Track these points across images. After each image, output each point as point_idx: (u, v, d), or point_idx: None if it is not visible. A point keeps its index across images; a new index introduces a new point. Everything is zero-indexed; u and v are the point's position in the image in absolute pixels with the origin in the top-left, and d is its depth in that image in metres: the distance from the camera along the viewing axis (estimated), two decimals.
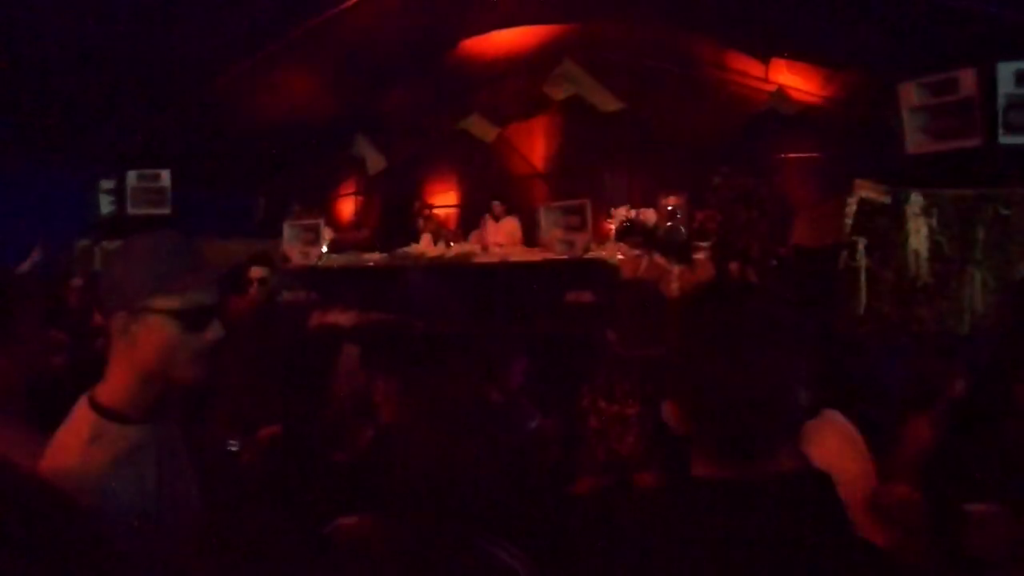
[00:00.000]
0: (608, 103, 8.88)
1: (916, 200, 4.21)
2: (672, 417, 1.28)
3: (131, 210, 8.03)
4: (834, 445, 2.15)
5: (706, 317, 1.33)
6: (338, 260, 6.92)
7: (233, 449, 1.98)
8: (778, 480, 1.21)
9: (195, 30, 6.92)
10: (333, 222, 10.05)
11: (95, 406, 1.46)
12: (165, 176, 8.11)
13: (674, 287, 5.14)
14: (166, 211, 8.06)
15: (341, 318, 3.94)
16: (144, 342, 1.46)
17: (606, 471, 2.34)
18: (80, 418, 1.46)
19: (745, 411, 1.21)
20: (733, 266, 5.07)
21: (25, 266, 6.21)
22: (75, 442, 1.43)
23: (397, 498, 1.55)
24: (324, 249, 7.22)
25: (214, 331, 1.51)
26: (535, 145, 10.14)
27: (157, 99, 8.00)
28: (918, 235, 4.14)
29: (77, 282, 5.92)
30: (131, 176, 8.05)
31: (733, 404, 1.21)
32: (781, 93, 8.07)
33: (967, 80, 4.83)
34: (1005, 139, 4.51)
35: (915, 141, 5.09)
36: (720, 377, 1.21)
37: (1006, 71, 4.61)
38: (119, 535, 1.38)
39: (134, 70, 7.27)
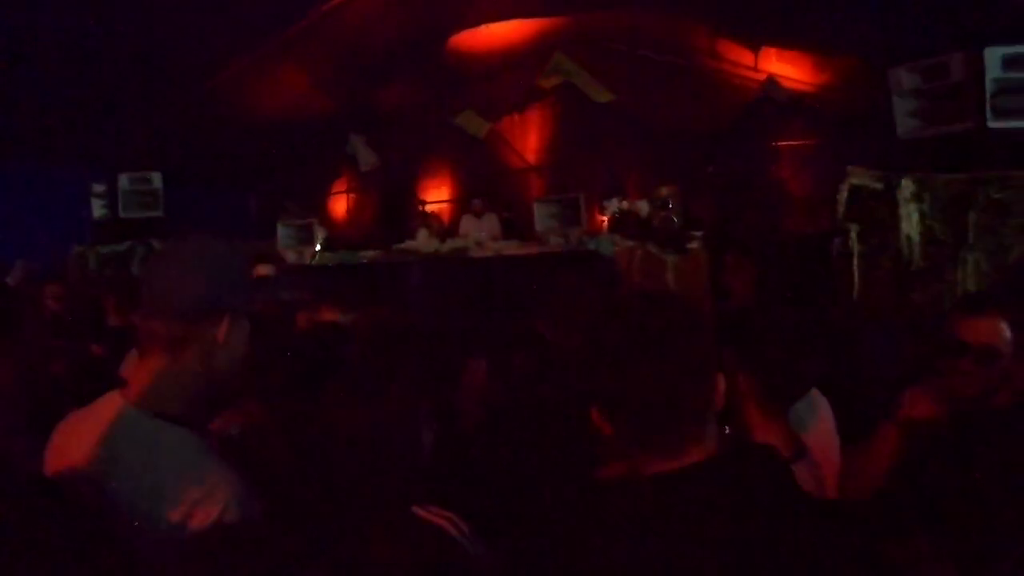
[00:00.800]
0: (600, 95, 8.90)
1: (907, 185, 4.23)
2: (597, 421, 1.31)
3: (123, 213, 8.02)
4: (826, 427, 2.21)
5: (610, 319, 1.34)
6: (332, 258, 6.91)
7: (233, 433, 1.98)
8: (713, 463, 1.25)
9: (188, 29, 6.90)
10: (327, 220, 10.06)
11: (150, 411, 1.44)
12: (157, 178, 8.10)
13: (668, 277, 5.17)
14: (159, 213, 8.06)
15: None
16: (200, 348, 1.47)
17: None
18: (135, 423, 1.44)
19: (658, 404, 1.23)
20: (727, 255, 5.08)
21: (11, 280, 6.18)
22: (141, 448, 1.41)
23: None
24: (318, 247, 7.22)
25: (250, 336, 1.55)
26: (528, 138, 10.14)
27: (150, 99, 7.98)
28: (910, 220, 4.16)
29: (55, 289, 5.88)
30: (123, 179, 8.04)
31: (646, 399, 1.23)
32: (773, 81, 8.09)
33: (956, 65, 4.84)
34: (994, 123, 4.52)
35: (906, 126, 5.10)
36: (631, 373, 1.23)
37: (993, 56, 4.62)
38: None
39: (127, 70, 7.25)
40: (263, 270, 4.16)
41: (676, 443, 1.26)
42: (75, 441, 1.46)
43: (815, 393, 2.31)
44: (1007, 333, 2.10)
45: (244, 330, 1.53)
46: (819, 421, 2.21)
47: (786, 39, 7.94)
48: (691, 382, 1.26)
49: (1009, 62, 4.61)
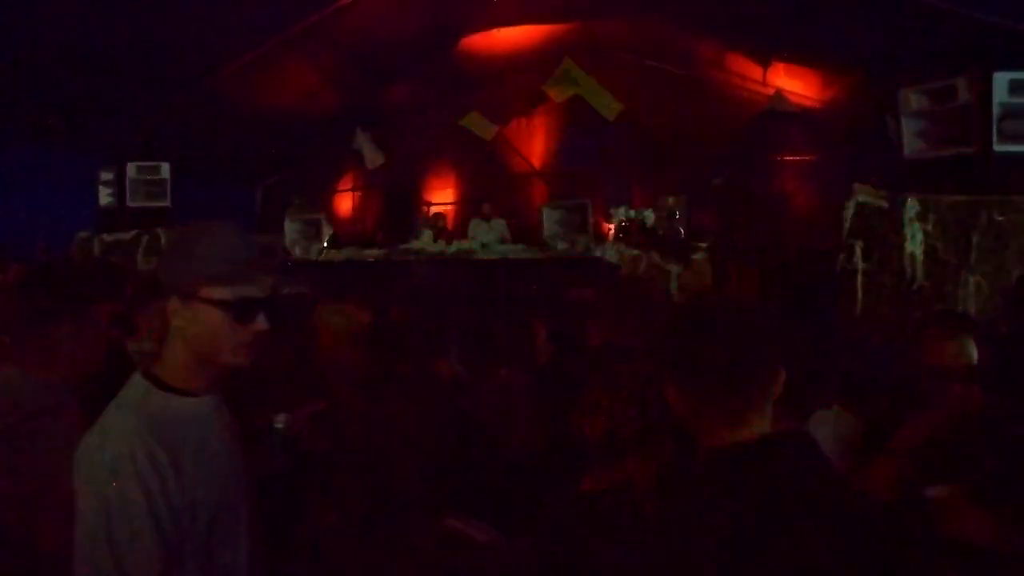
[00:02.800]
0: (608, 108, 8.95)
1: (912, 205, 4.28)
2: (671, 397, 1.48)
3: (130, 202, 8.03)
4: (833, 446, 2.28)
5: (688, 308, 1.58)
6: (339, 255, 6.95)
7: (279, 427, 2.00)
8: (765, 442, 1.39)
9: (199, 22, 6.93)
10: (332, 217, 10.09)
11: (154, 380, 1.56)
12: (165, 168, 8.11)
13: (672, 287, 5.22)
14: (165, 203, 8.07)
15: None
16: (194, 327, 1.55)
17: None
18: (140, 390, 1.55)
19: (738, 373, 1.40)
20: (730, 267, 5.13)
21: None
22: (135, 409, 1.51)
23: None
24: (325, 244, 7.26)
25: (261, 323, 1.57)
26: (534, 143, 10.19)
27: (160, 90, 8.01)
28: (914, 239, 4.21)
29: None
30: (131, 168, 8.05)
31: (711, 373, 1.40)
32: (780, 95, 8.15)
33: (964, 88, 4.87)
34: (1000, 147, 4.57)
35: (912, 146, 5.14)
36: (701, 349, 1.41)
37: (1001, 80, 4.66)
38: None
39: (137, 62, 7.28)
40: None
41: (733, 418, 1.41)
42: (111, 415, 1.54)
43: (818, 414, 2.39)
44: (974, 351, 2.22)
45: (206, 316, 1.53)
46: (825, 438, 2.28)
47: (795, 54, 7.99)
48: (752, 364, 1.41)
49: (1016, 87, 4.64)
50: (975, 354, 2.23)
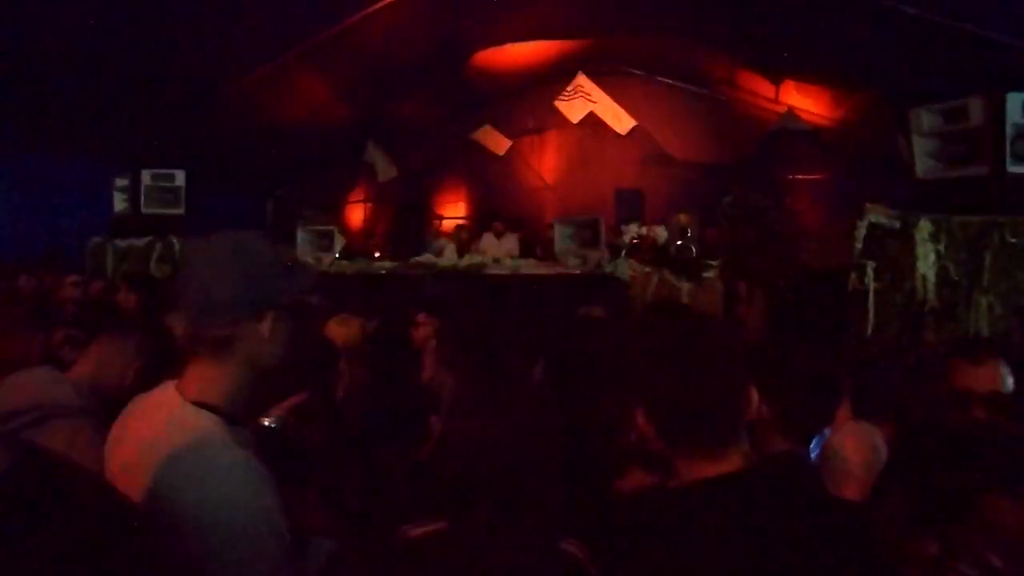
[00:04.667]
0: (621, 124, 8.99)
1: (925, 225, 4.28)
2: (642, 425, 1.44)
3: (145, 209, 8.08)
4: (858, 458, 2.33)
5: (658, 333, 1.51)
6: (350, 267, 6.98)
7: (272, 426, 1.99)
8: (752, 472, 1.37)
9: (215, 33, 7.01)
10: (344, 228, 10.13)
11: (215, 411, 1.45)
12: (180, 176, 8.16)
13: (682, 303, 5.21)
14: (180, 211, 8.11)
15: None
16: (246, 346, 1.49)
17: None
18: (203, 427, 1.43)
19: (708, 408, 1.37)
20: (741, 285, 5.14)
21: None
22: (216, 452, 1.39)
23: (462, 497, 1.60)
24: (336, 255, 7.29)
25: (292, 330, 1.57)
26: (546, 158, 10.23)
27: (176, 100, 8.09)
28: (926, 259, 4.21)
29: (73, 278, 5.97)
30: (146, 175, 8.10)
31: (688, 404, 1.37)
32: (792, 114, 8.16)
33: (977, 108, 4.88)
34: (1013, 168, 4.57)
35: (925, 166, 5.14)
36: (674, 380, 1.38)
37: (1015, 101, 4.66)
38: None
39: (155, 71, 7.36)
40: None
41: (715, 449, 1.38)
42: (132, 431, 1.51)
43: (852, 424, 2.40)
44: (1009, 377, 2.16)
45: (287, 325, 1.53)
46: (849, 451, 2.31)
47: (807, 73, 8.01)
48: (728, 392, 1.39)
49: None
50: (1003, 381, 2.17)
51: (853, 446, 2.49)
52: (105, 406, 2.20)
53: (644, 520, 1.45)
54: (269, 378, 1.58)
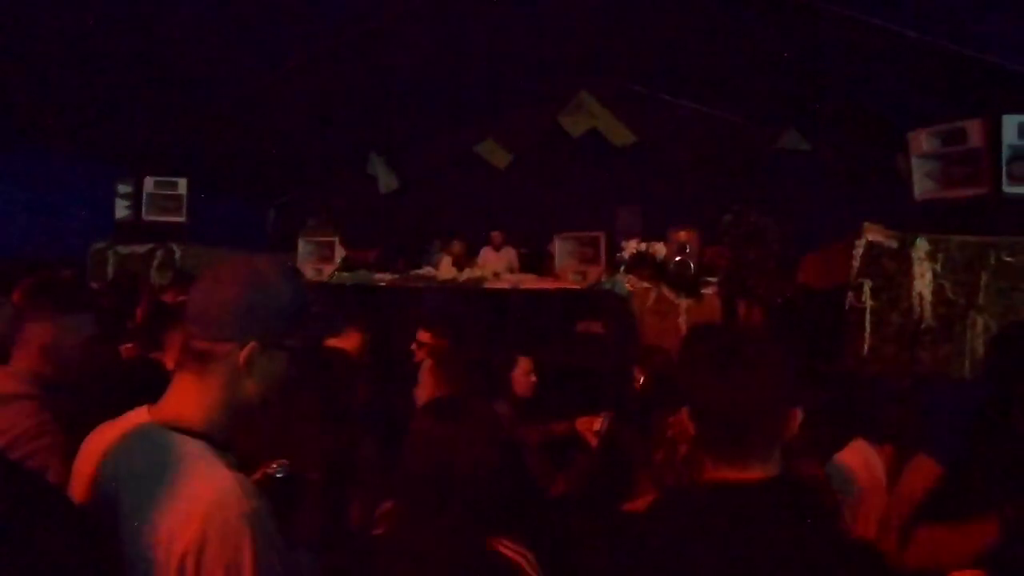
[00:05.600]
0: (621, 137, 9.03)
1: (922, 245, 4.31)
2: (686, 419, 1.52)
3: (146, 216, 8.12)
4: (868, 475, 2.37)
5: (710, 341, 1.58)
6: (350, 278, 7.01)
7: (279, 475, 1.87)
8: (773, 482, 1.43)
9: (220, 42, 7.06)
10: (346, 239, 10.15)
11: (195, 435, 1.39)
12: (183, 184, 8.21)
13: (681, 321, 5.25)
14: (182, 219, 8.15)
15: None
16: (225, 370, 1.43)
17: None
18: (193, 453, 1.36)
19: (738, 419, 1.43)
20: (739, 303, 5.16)
21: None
22: (217, 477, 1.32)
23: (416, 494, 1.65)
24: (337, 266, 7.32)
25: (288, 372, 1.50)
26: (548, 173, 10.27)
27: (180, 107, 8.13)
28: (923, 279, 4.24)
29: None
30: (148, 182, 8.14)
31: (727, 412, 1.43)
32: (792, 133, 8.22)
33: (974, 131, 4.93)
34: (1009, 188, 4.62)
35: (923, 187, 5.19)
36: (720, 389, 1.43)
37: (1010, 123, 4.72)
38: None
39: (160, 77, 7.40)
40: None
41: (743, 459, 1.44)
42: (95, 449, 1.44)
43: (859, 442, 2.43)
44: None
45: (278, 363, 1.46)
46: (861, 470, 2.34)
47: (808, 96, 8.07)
48: (765, 406, 1.44)
49: None
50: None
51: (853, 463, 2.52)
52: (55, 389, 2.20)
53: (654, 508, 1.55)
54: (261, 419, 1.51)
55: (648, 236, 7.77)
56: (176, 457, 1.35)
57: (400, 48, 8.09)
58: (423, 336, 4.01)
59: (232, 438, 1.46)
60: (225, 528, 1.25)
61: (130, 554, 1.30)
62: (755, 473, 1.43)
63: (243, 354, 1.42)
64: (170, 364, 3.40)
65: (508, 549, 1.59)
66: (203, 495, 1.28)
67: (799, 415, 1.46)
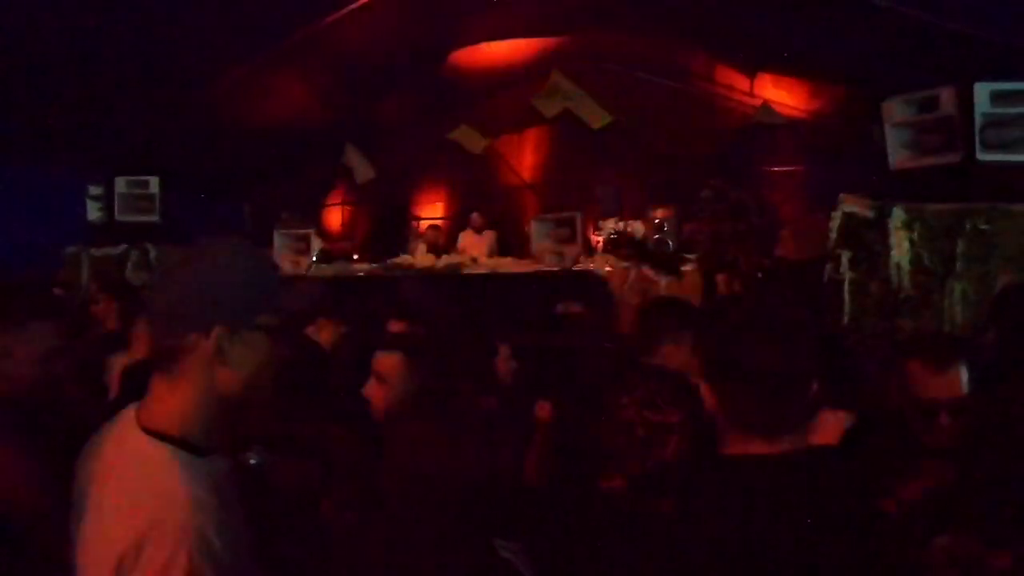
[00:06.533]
0: (597, 119, 8.98)
1: (898, 214, 4.32)
2: (708, 397, 1.50)
3: (119, 216, 8.03)
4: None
5: (742, 313, 1.58)
6: (328, 270, 6.95)
7: (254, 463, 1.82)
8: (805, 454, 1.41)
9: (189, 35, 6.94)
10: (322, 232, 10.08)
11: (166, 439, 1.32)
12: (154, 183, 8.11)
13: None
14: (155, 218, 8.06)
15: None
16: (197, 363, 1.34)
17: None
18: (154, 458, 1.29)
19: (772, 392, 1.41)
20: (720, 278, 5.16)
21: None
22: (167, 486, 1.26)
23: (396, 496, 1.61)
24: (314, 259, 7.26)
25: (283, 348, 1.46)
26: (525, 156, 10.22)
27: (149, 104, 8.01)
28: (900, 248, 4.25)
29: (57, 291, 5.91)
30: (120, 182, 8.05)
31: (763, 386, 1.41)
32: (768, 107, 8.20)
33: (947, 99, 4.94)
34: (983, 156, 4.62)
35: (898, 156, 5.20)
36: (752, 363, 1.41)
37: (983, 91, 4.73)
38: None
39: (127, 74, 7.28)
40: None
41: (774, 429, 1.41)
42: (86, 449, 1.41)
43: (826, 413, 2.41)
44: (967, 381, 2.12)
45: (254, 345, 1.36)
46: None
47: (782, 66, 8.05)
48: (799, 376, 1.42)
49: (997, 97, 4.71)
50: (964, 384, 2.11)
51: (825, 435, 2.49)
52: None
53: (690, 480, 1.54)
54: (245, 408, 1.44)
55: (625, 215, 7.79)
56: (137, 461, 1.29)
57: (369, 38, 8.01)
58: (396, 327, 3.81)
59: (218, 434, 1.39)
60: (163, 540, 1.20)
61: (80, 556, 1.27)
62: (785, 445, 1.40)
63: (210, 342, 1.32)
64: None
65: (504, 550, 1.56)
66: (148, 504, 1.23)
67: (815, 389, 1.44)
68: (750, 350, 1.42)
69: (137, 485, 1.27)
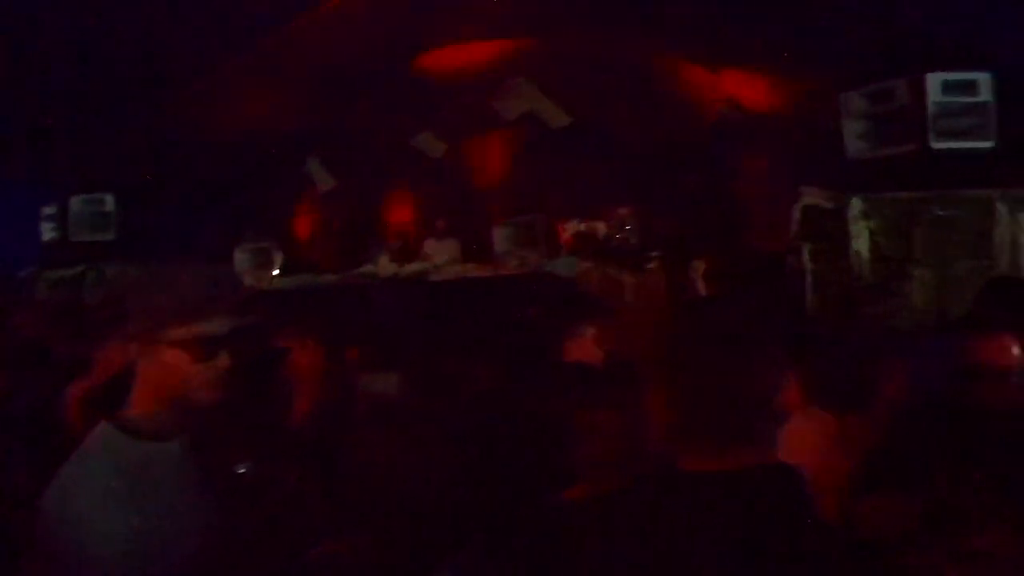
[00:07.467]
0: (558, 118, 8.97)
1: (857, 204, 4.37)
2: (661, 407, 1.40)
3: (74, 237, 7.84)
4: (812, 439, 2.25)
5: (692, 322, 1.46)
6: (291, 282, 6.85)
7: (242, 472, 1.88)
8: (756, 471, 1.29)
9: (145, 48, 6.83)
10: (287, 243, 9.95)
11: (120, 426, 1.53)
12: (110, 200, 7.93)
13: (627, 297, 5.22)
14: (111, 236, 7.88)
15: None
16: (162, 369, 1.54)
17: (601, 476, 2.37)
18: (105, 437, 1.52)
19: (727, 405, 1.29)
20: (684, 275, 5.16)
21: None
22: (100, 458, 1.48)
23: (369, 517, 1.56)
24: (276, 271, 7.15)
25: (223, 361, 1.57)
26: (487, 161, 10.20)
27: (106, 120, 7.86)
28: (860, 237, 4.29)
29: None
30: (74, 201, 7.85)
31: (717, 398, 1.30)
32: (732, 102, 8.27)
33: (901, 90, 5.02)
34: (937, 144, 4.70)
35: (855, 147, 5.26)
36: (707, 375, 1.30)
37: (934, 81, 4.81)
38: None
39: (80, 89, 7.13)
40: None
41: (720, 444, 1.30)
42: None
43: (812, 409, 2.38)
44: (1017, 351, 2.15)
45: (172, 356, 1.53)
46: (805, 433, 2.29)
47: (745, 62, 8.12)
48: (761, 384, 1.31)
49: (948, 87, 4.80)
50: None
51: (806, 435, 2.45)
52: None
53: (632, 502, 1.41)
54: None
55: (589, 215, 7.79)
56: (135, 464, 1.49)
57: (332, 44, 7.95)
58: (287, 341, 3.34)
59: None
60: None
61: None
62: (744, 458, 1.29)
63: (132, 351, 1.61)
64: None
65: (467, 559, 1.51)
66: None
67: (780, 398, 1.36)
68: (704, 357, 1.33)
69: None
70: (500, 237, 6.27)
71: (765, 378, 1.33)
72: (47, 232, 7.91)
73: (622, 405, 1.79)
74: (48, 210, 7.89)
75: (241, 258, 7.36)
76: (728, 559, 1.23)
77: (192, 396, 1.55)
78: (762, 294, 4.83)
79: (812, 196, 4.63)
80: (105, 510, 1.41)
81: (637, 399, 1.63)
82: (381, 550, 1.51)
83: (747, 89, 8.32)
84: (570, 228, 6.62)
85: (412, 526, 1.52)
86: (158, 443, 1.54)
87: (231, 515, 1.70)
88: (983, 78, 4.81)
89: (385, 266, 7.14)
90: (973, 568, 1.61)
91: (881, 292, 4.19)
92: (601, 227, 6.01)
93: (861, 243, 4.28)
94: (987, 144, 4.70)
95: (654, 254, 5.45)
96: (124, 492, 1.43)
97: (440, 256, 7.70)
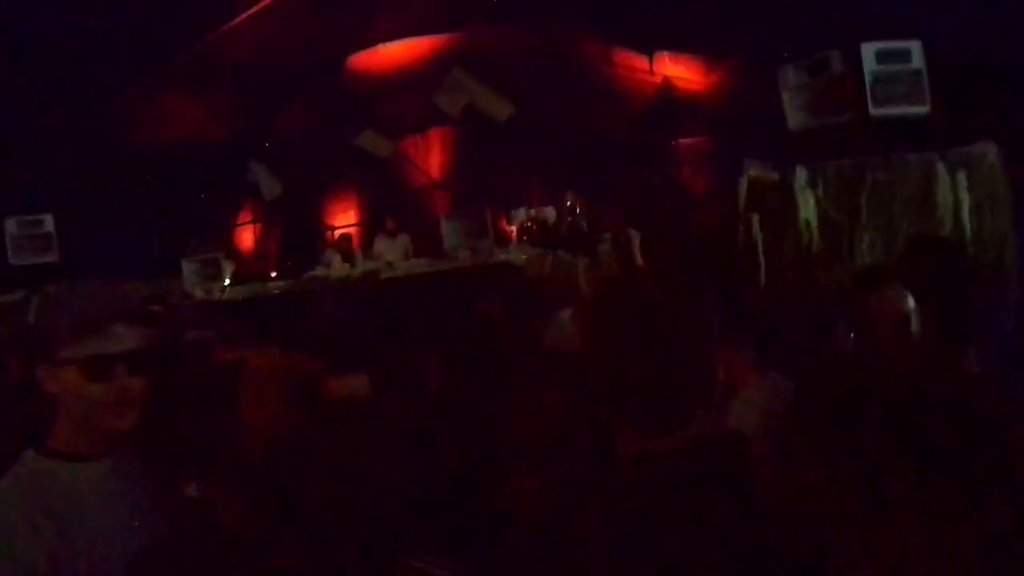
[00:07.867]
0: (501, 110, 8.94)
1: (801, 174, 4.43)
2: (595, 395, 1.37)
3: (14, 261, 7.56)
4: (772, 405, 2.30)
5: (617, 302, 1.38)
6: (242, 291, 6.72)
7: (191, 495, 1.86)
8: (695, 447, 1.27)
9: (72, 63, 6.63)
10: (234, 253, 9.79)
11: (42, 449, 1.54)
12: (49, 221, 7.67)
13: (580, 281, 5.22)
14: (53, 258, 7.63)
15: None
16: (62, 392, 1.51)
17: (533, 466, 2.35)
18: (26, 460, 1.53)
19: (656, 385, 1.26)
20: (636, 254, 5.17)
21: None
22: (18, 480, 1.49)
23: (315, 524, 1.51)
24: (227, 282, 7.00)
25: (122, 379, 1.51)
26: (431, 155, 10.14)
27: (37, 139, 7.62)
28: (807, 206, 4.35)
29: None
30: (11, 223, 7.58)
31: (646, 379, 1.26)
32: (668, 84, 8.33)
33: (836, 60, 5.10)
34: (875, 111, 4.79)
35: (795, 119, 5.33)
36: (633, 356, 1.26)
37: (869, 51, 4.89)
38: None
39: (10, 107, 6.91)
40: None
41: (665, 424, 1.28)
42: None
43: (774, 375, 2.40)
44: (910, 300, 2.20)
45: (70, 377, 1.49)
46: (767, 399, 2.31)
47: (677, 44, 8.20)
48: (684, 365, 1.27)
49: (882, 56, 4.90)
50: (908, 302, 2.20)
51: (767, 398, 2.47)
52: None
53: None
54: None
55: (536, 202, 7.79)
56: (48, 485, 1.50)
57: (262, 47, 7.81)
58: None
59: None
60: None
61: None
62: (688, 435, 1.27)
63: (39, 375, 1.54)
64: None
65: (424, 563, 1.47)
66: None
67: (723, 372, 1.33)
68: (633, 346, 1.28)
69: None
70: (448, 230, 6.21)
71: (709, 350, 1.30)
72: None
73: (567, 386, 1.77)
74: None
75: (190, 270, 7.19)
76: (692, 542, 1.21)
77: (100, 417, 1.51)
78: (713, 268, 4.88)
79: (756, 168, 4.68)
80: (18, 541, 1.39)
81: (581, 380, 1.60)
82: (335, 560, 1.47)
83: (683, 69, 8.42)
84: (520, 216, 6.58)
85: (370, 529, 1.48)
86: (86, 463, 1.54)
87: (171, 534, 1.66)
88: (915, 46, 4.90)
89: (338, 268, 7.05)
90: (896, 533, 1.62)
91: (831, 258, 4.26)
92: (550, 213, 5.99)
93: (808, 211, 4.34)
94: (922, 109, 4.81)
95: (606, 235, 5.45)
96: (42, 521, 1.42)
97: (392, 254, 7.63)
